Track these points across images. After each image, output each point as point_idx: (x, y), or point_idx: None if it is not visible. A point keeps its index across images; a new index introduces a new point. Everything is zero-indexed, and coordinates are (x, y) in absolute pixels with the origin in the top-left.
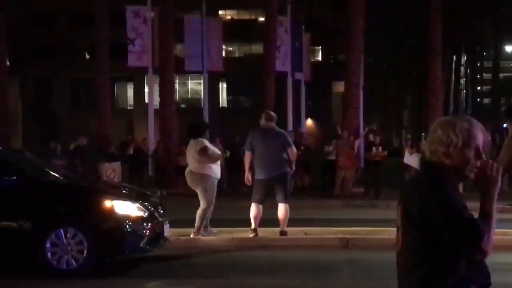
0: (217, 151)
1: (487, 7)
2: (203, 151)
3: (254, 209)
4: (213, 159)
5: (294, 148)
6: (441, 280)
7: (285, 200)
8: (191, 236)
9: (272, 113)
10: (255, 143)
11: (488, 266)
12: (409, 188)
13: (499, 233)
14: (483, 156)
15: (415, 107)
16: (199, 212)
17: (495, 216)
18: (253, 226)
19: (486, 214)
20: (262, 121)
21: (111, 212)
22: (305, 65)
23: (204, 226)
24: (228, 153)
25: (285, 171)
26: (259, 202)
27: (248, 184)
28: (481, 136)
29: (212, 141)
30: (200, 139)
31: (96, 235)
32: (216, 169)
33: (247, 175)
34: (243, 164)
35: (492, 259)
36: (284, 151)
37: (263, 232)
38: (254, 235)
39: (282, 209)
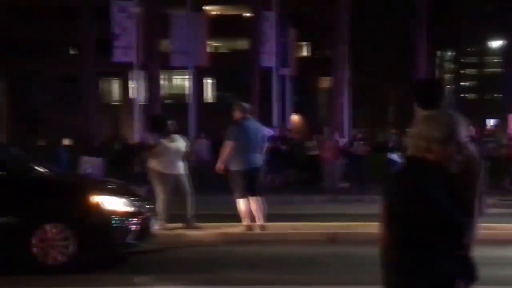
0: (179, 147)
1: (472, 2)
2: (148, 148)
3: (244, 205)
4: (156, 156)
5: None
6: (425, 275)
7: (257, 193)
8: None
9: (247, 104)
10: (242, 133)
11: (475, 260)
12: (392, 183)
13: (487, 227)
14: (465, 151)
15: (401, 103)
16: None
17: (478, 209)
18: (247, 222)
19: (469, 208)
20: (240, 114)
21: (97, 208)
22: (291, 61)
23: (190, 221)
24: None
25: (261, 164)
26: (244, 195)
27: (219, 172)
28: (463, 131)
29: (198, 137)
30: (153, 134)
31: (82, 231)
32: (168, 165)
33: (220, 165)
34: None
35: (480, 252)
36: (263, 144)
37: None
38: (249, 230)
39: (256, 202)
